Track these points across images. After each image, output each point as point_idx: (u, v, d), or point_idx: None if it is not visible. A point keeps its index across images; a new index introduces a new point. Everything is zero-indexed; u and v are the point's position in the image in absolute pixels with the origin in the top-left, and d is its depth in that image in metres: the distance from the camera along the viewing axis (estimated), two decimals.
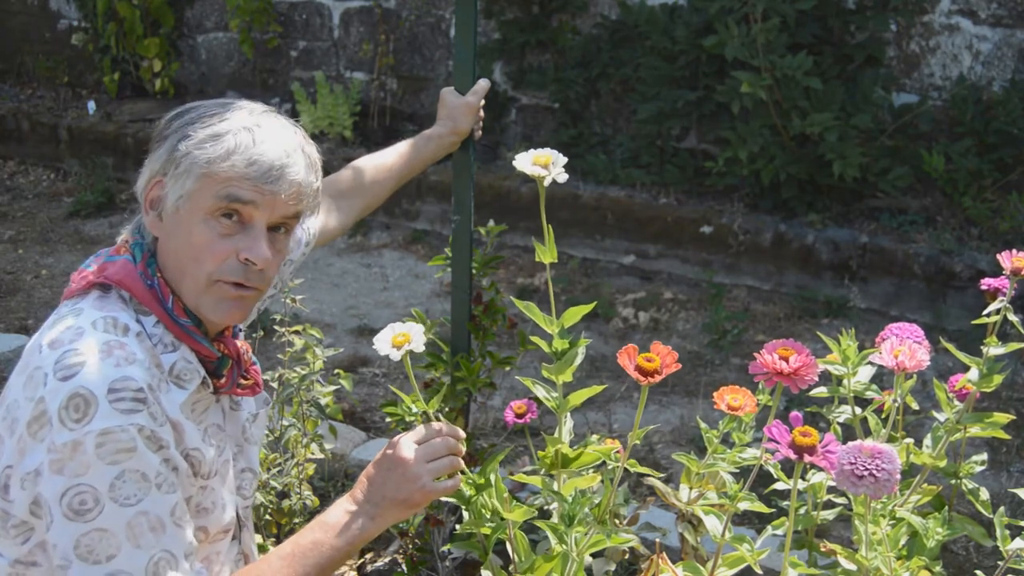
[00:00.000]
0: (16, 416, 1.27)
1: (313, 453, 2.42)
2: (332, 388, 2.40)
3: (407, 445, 1.47)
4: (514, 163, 1.52)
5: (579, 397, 1.56)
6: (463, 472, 1.52)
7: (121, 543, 1.23)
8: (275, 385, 2.34)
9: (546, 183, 1.51)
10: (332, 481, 2.90)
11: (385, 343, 1.45)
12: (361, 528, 1.44)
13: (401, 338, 1.44)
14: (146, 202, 1.38)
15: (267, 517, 2.34)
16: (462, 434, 1.52)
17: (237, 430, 1.50)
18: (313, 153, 1.43)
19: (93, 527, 1.22)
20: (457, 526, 1.66)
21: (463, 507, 1.58)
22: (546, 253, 1.56)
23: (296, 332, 2.36)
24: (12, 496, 1.28)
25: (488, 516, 1.56)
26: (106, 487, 1.22)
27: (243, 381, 1.48)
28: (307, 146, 1.42)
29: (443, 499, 1.55)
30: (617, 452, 1.57)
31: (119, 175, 5.81)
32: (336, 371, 2.49)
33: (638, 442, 1.43)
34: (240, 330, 1.54)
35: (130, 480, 1.23)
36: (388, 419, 2.10)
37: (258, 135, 1.35)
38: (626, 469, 1.49)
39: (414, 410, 1.53)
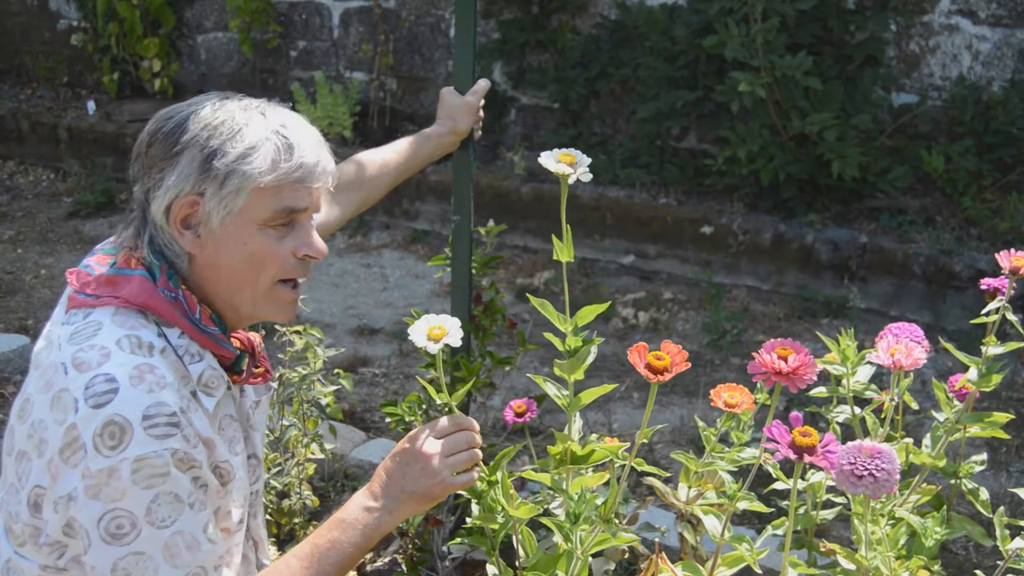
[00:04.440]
0: (44, 438, 1.27)
1: (313, 453, 2.42)
2: (332, 388, 2.40)
3: (428, 439, 1.49)
4: (539, 160, 1.53)
5: (590, 395, 1.57)
6: (480, 466, 1.53)
7: (159, 565, 1.25)
8: (276, 385, 2.34)
9: (570, 181, 1.52)
10: (332, 481, 2.91)
11: (421, 335, 1.44)
12: (379, 522, 1.45)
13: (438, 331, 1.44)
14: (177, 223, 1.35)
15: (267, 517, 2.34)
16: (477, 427, 1.53)
17: (243, 417, 1.51)
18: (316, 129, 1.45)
19: (130, 551, 1.24)
20: (461, 526, 1.67)
21: (475, 501, 1.59)
22: (563, 251, 1.56)
23: (296, 332, 2.36)
24: (44, 516, 1.29)
25: (499, 510, 1.57)
26: (142, 511, 1.23)
27: (255, 370, 1.50)
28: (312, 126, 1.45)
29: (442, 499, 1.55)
30: (623, 452, 1.57)
31: (119, 175, 5.81)
32: (336, 371, 2.49)
33: (645, 440, 1.43)
34: None
35: (165, 502, 1.24)
36: (388, 419, 2.10)
37: (290, 135, 1.36)
38: (629, 469, 1.49)
39: (438, 402, 1.54)
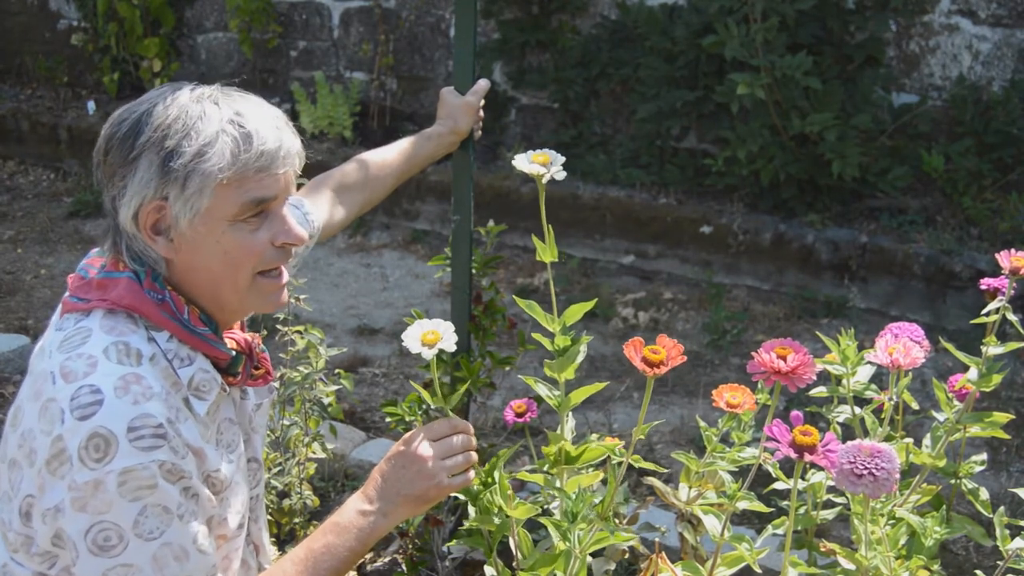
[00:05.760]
0: (33, 447, 1.26)
1: (315, 452, 2.43)
2: (334, 388, 2.40)
3: (423, 442, 1.48)
4: (513, 163, 1.54)
5: (580, 395, 1.56)
6: (475, 468, 1.53)
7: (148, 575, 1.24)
8: (276, 384, 2.34)
9: (544, 181, 1.52)
10: (332, 481, 2.91)
11: (415, 340, 1.42)
12: (374, 526, 1.45)
13: (432, 336, 1.42)
14: (147, 230, 1.32)
15: (268, 517, 2.34)
16: (472, 429, 1.53)
17: (245, 420, 1.50)
18: (277, 109, 1.41)
19: (119, 562, 1.23)
20: (461, 526, 1.67)
21: (471, 503, 1.58)
22: (546, 251, 1.57)
23: (298, 332, 2.36)
24: (34, 526, 1.29)
25: (495, 511, 1.57)
26: (130, 524, 1.22)
27: (255, 371, 1.48)
28: (271, 105, 1.40)
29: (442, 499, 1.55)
30: (621, 448, 1.57)
31: None
32: (336, 371, 2.49)
33: (643, 436, 1.43)
34: (243, 322, 1.54)
35: (152, 514, 1.23)
36: (388, 419, 2.10)
37: (247, 124, 1.31)
38: (627, 468, 1.49)
39: (432, 407, 1.54)
